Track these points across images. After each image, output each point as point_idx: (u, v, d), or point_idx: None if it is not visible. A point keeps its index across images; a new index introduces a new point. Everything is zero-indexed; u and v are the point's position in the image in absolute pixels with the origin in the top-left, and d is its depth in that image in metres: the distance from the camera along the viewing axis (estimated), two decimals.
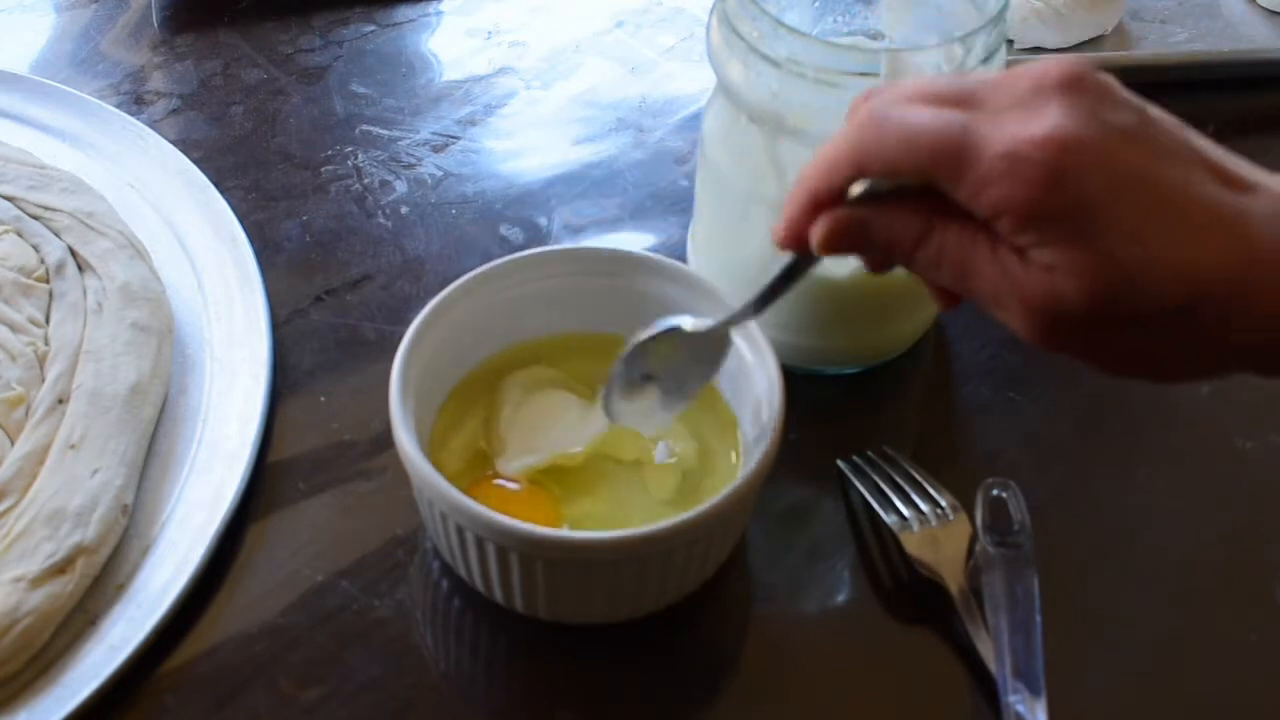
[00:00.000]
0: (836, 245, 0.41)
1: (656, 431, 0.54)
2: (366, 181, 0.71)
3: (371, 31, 0.80)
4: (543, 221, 0.69)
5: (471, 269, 0.54)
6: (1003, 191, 0.36)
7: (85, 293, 0.60)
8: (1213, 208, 0.37)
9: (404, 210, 0.69)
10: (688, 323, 0.49)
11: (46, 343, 0.58)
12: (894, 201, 0.40)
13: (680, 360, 0.50)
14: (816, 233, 0.41)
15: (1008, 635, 0.50)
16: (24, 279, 0.60)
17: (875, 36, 0.58)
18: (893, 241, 0.40)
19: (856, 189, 0.41)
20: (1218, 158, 0.38)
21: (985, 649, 0.51)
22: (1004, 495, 0.54)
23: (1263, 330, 0.37)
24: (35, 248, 0.61)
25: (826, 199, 0.41)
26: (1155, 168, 0.36)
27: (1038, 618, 0.50)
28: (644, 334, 0.49)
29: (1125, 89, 0.38)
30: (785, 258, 0.45)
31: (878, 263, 0.43)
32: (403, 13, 0.82)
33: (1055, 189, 0.35)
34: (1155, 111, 0.38)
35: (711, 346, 0.50)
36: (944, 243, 0.39)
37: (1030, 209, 0.36)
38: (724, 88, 0.54)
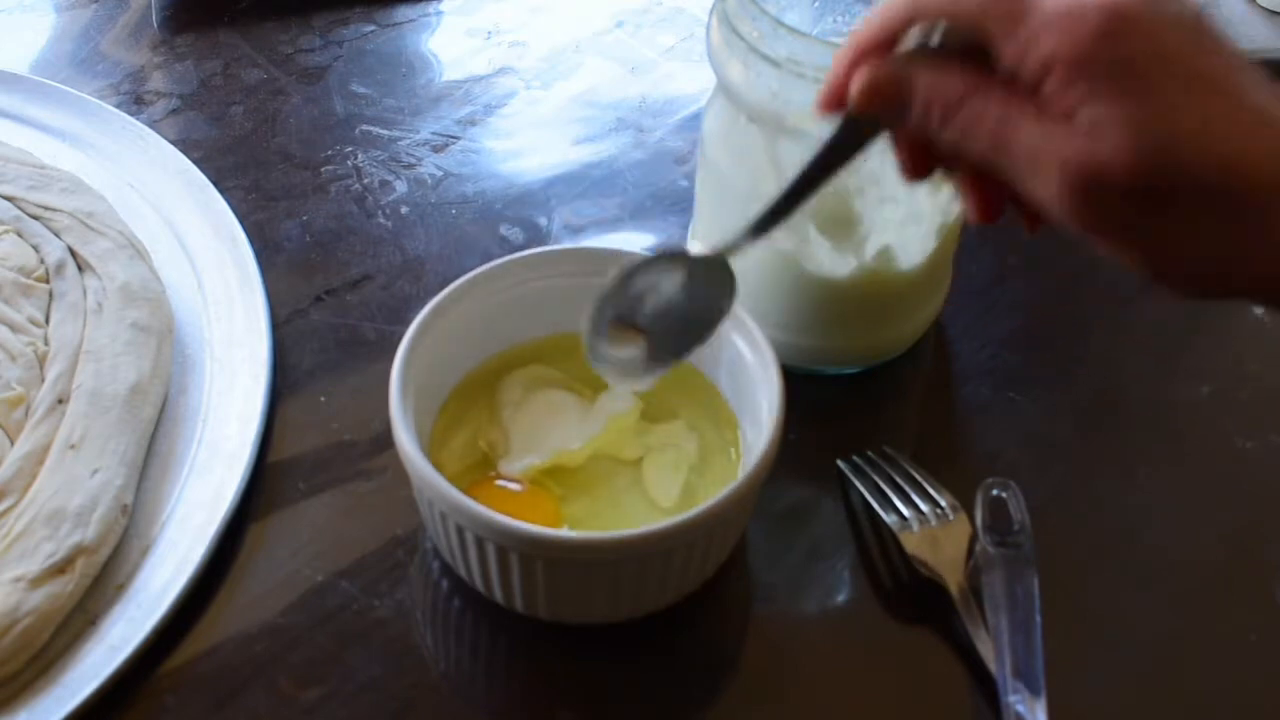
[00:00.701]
0: (875, 98, 0.40)
1: (637, 389, 0.51)
2: (366, 181, 0.71)
3: (371, 31, 0.80)
4: (543, 221, 0.69)
5: (471, 269, 0.54)
6: (1055, 42, 0.35)
7: (85, 293, 0.60)
8: (1262, 108, 0.36)
9: (404, 210, 0.69)
10: (693, 247, 0.46)
11: (46, 343, 0.58)
12: (938, 60, 0.39)
13: (674, 308, 0.47)
14: (856, 84, 0.40)
15: (1008, 635, 0.50)
16: (24, 279, 0.60)
17: None
18: (932, 100, 0.39)
19: (904, 46, 0.40)
20: (1262, 75, 0.37)
21: (985, 649, 0.51)
22: (1004, 495, 0.54)
23: None
24: (35, 248, 0.61)
25: (871, 53, 0.40)
26: (1209, 57, 0.36)
27: (1038, 618, 0.50)
28: (638, 260, 0.46)
29: None
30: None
31: (908, 140, 0.41)
32: (403, 13, 0.82)
33: (1109, 44, 0.35)
34: (1209, 20, 0.37)
35: (712, 286, 0.47)
36: (986, 105, 0.38)
37: (1082, 59, 0.35)
38: (724, 88, 0.54)
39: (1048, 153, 0.36)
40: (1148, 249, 0.37)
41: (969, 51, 0.38)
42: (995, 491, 0.54)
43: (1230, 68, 0.36)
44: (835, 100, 0.41)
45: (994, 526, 0.53)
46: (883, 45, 0.40)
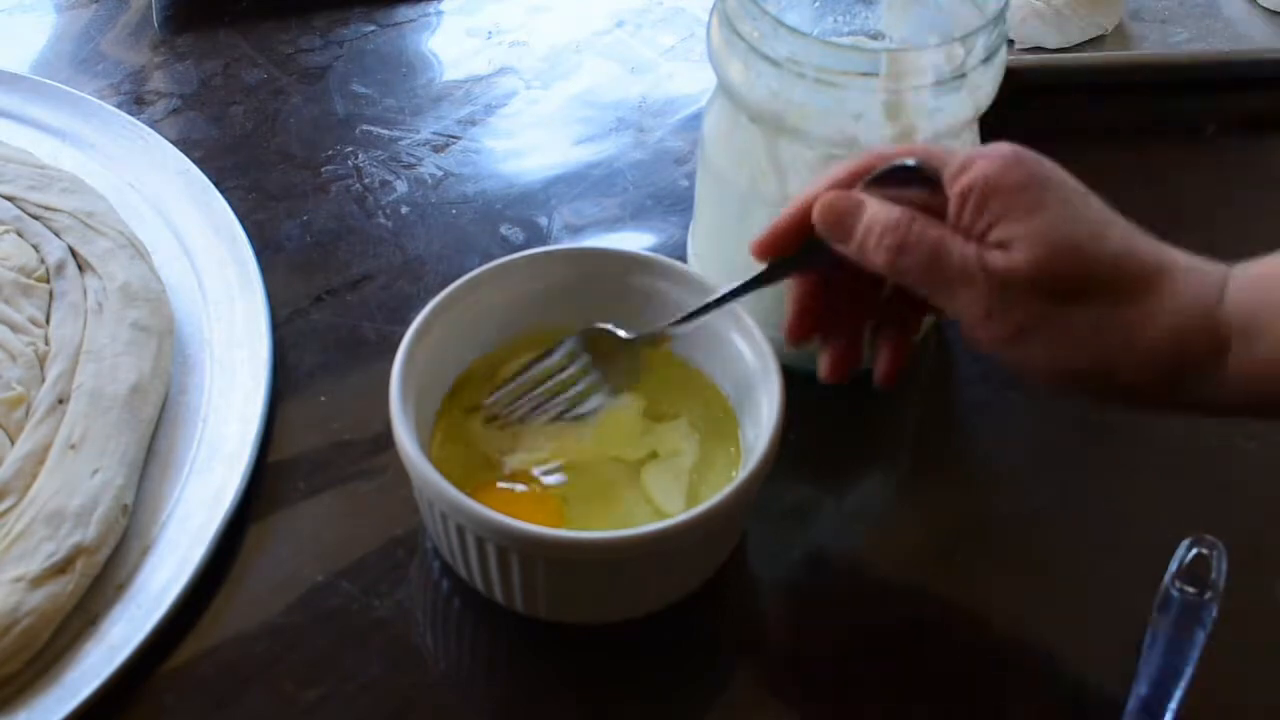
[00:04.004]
0: (831, 216, 0.47)
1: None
2: (366, 181, 0.71)
3: (371, 31, 0.80)
4: (543, 221, 0.69)
5: (471, 269, 0.54)
6: (973, 174, 0.44)
7: (85, 293, 0.60)
8: (1125, 223, 0.44)
9: (404, 210, 0.69)
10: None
11: (47, 343, 0.58)
12: (887, 199, 0.46)
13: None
14: (819, 204, 0.47)
15: (1154, 672, 0.50)
16: (24, 279, 0.60)
17: (875, 36, 0.58)
18: (875, 224, 0.46)
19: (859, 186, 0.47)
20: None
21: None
22: (1206, 553, 0.54)
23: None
24: (35, 248, 0.61)
25: (836, 187, 0.48)
26: (1074, 184, 0.45)
27: (1189, 670, 0.50)
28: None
29: None
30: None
31: (802, 300, 0.50)
32: (403, 13, 0.82)
33: (1014, 166, 0.44)
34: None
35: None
36: (925, 229, 0.45)
37: (992, 182, 0.44)
38: (724, 88, 0.54)
39: (972, 265, 0.44)
40: (1044, 345, 0.44)
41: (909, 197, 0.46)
42: (1197, 549, 0.54)
43: (1088, 194, 0.45)
44: (769, 246, 0.49)
45: (1189, 578, 0.53)
46: (846, 184, 0.48)
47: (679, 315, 0.53)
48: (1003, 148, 0.44)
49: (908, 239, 0.45)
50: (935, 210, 0.46)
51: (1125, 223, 0.44)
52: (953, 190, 0.45)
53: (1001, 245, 0.43)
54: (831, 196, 0.47)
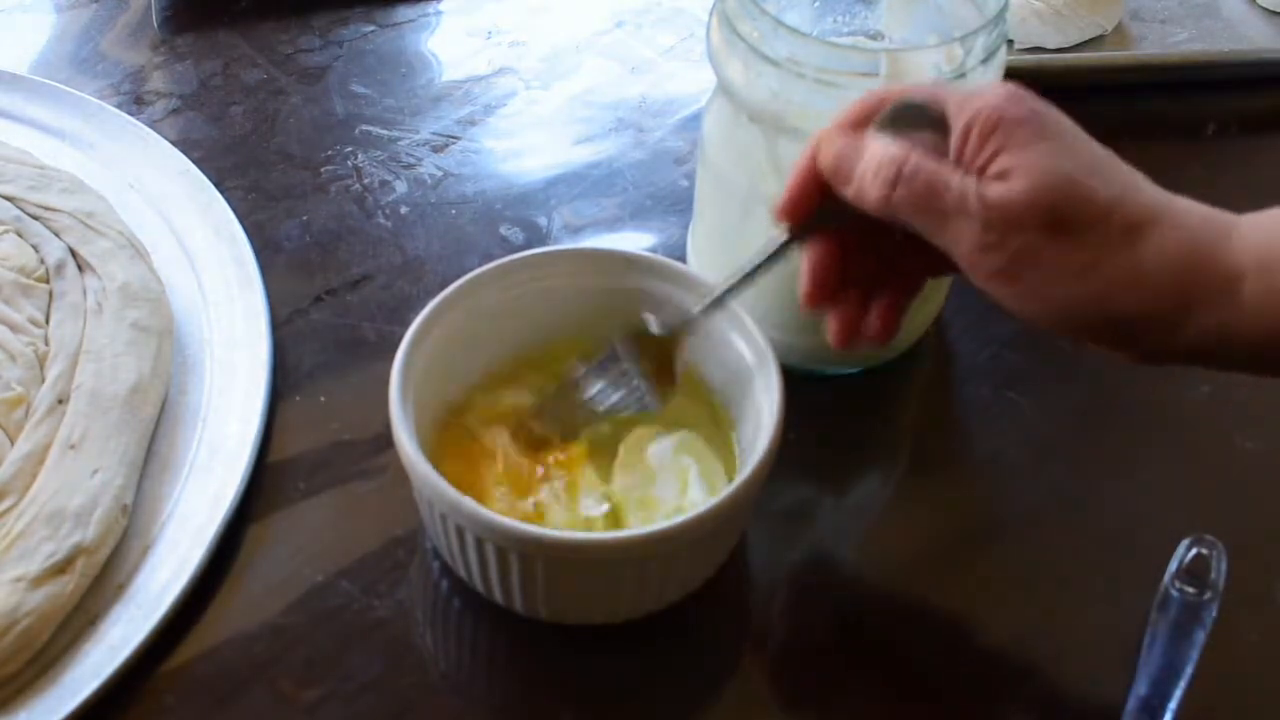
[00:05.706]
0: (833, 160, 0.47)
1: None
2: (366, 181, 0.71)
3: (371, 31, 0.80)
4: (543, 221, 0.69)
5: (471, 269, 0.54)
6: (977, 105, 0.44)
7: (85, 293, 0.60)
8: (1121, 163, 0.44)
9: (404, 210, 0.69)
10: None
11: (46, 343, 0.58)
12: (886, 136, 0.46)
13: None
14: (823, 144, 0.47)
15: (1153, 673, 0.50)
16: (24, 279, 0.60)
17: (875, 36, 0.58)
18: (876, 161, 0.45)
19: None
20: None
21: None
22: (1205, 553, 0.54)
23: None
24: (35, 248, 0.61)
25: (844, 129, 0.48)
26: (1068, 123, 0.45)
27: (1189, 669, 0.51)
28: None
29: None
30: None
31: (821, 259, 0.49)
32: (403, 13, 0.82)
33: (1017, 101, 0.44)
34: None
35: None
36: (921, 163, 0.45)
37: (996, 114, 0.44)
38: (724, 88, 0.54)
39: (969, 197, 0.43)
40: (1039, 279, 0.43)
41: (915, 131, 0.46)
42: (1197, 549, 0.54)
43: (1089, 139, 0.45)
44: (792, 205, 0.48)
45: (1189, 578, 0.53)
46: (853, 125, 0.47)
47: (691, 309, 0.52)
48: (1007, 85, 0.45)
49: (904, 171, 0.44)
50: (941, 154, 0.45)
51: (1127, 166, 0.44)
52: (957, 124, 0.44)
53: (1000, 176, 0.43)
54: (834, 135, 0.47)
